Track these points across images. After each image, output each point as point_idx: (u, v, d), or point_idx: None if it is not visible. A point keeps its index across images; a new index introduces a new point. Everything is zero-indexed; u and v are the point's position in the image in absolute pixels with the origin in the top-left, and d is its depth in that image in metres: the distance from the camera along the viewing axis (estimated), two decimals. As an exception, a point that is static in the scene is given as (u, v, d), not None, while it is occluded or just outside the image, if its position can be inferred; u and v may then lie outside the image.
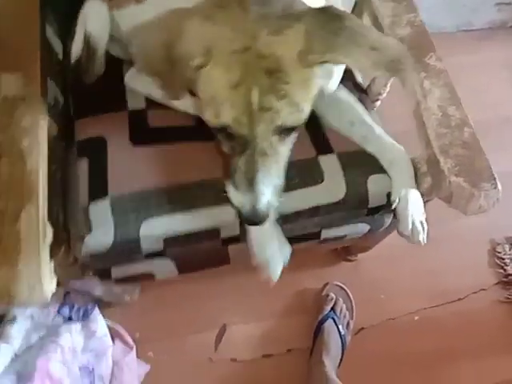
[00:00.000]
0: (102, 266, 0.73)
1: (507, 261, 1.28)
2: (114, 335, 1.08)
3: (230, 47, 0.53)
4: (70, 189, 0.71)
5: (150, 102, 0.77)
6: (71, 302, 1.03)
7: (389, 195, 0.75)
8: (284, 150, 0.59)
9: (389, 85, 0.83)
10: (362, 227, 0.82)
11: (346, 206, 0.74)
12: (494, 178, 0.63)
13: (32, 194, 0.59)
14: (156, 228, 0.69)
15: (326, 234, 0.81)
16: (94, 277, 0.79)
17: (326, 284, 1.19)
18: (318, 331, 1.11)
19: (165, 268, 0.78)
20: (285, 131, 0.57)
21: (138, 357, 1.10)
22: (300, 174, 0.72)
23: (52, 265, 0.60)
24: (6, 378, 0.76)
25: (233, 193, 0.59)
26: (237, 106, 0.54)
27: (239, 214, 0.59)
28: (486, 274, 1.28)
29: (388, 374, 1.14)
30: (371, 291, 1.23)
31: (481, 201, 0.63)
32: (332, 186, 0.72)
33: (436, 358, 1.18)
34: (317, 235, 0.81)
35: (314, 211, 0.72)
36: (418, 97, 0.68)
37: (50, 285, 0.58)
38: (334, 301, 1.14)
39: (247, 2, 0.54)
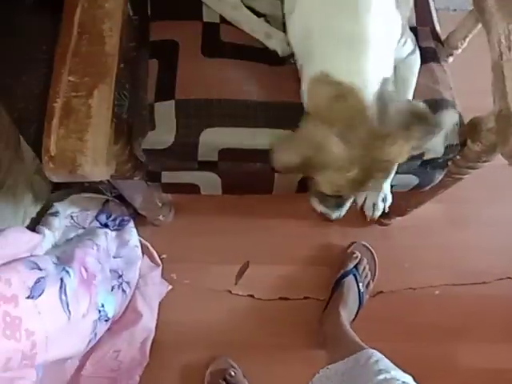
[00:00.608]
0: (155, 166, 0.75)
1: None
2: (143, 251, 1.12)
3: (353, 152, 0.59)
4: (137, 86, 0.73)
5: (224, 18, 0.77)
6: (109, 211, 1.08)
7: (447, 148, 0.73)
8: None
9: (468, 39, 0.80)
10: (411, 180, 0.81)
11: None
12: None
13: (107, 75, 0.60)
14: (215, 137, 0.70)
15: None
16: (142, 181, 0.81)
17: (354, 242, 1.20)
18: (338, 285, 1.13)
19: (211, 183, 0.79)
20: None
21: (162, 276, 1.15)
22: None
23: (115, 148, 0.62)
24: (49, 256, 0.80)
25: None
26: (347, 184, 0.63)
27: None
28: (514, 263, 1.26)
29: (395, 340, 1.15)
30: (396, 258, 1.23)
31: (545, 161, 0.61)
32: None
33: (445, 334, 1.17)
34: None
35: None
36: (502, 48, 0.65)
37: (111, 165, 0.61)
38: (358, 259, 1.15)
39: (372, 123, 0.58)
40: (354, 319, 1.11)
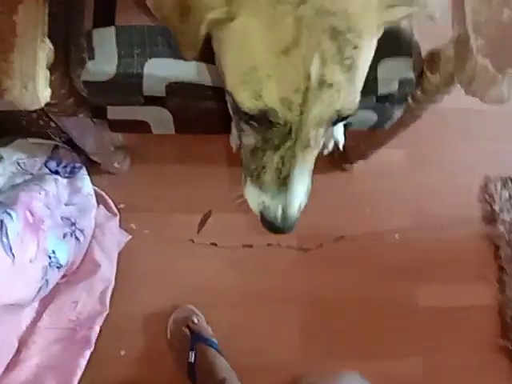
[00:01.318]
0: (98, 100, 0.70)
1: (496, 198, 1.29)
2: (99, 200, 1.08)
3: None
4: (73, 9, 0.66)
5: None
6: (59, 157, 1.02)
7: (402, 82, 0.71)
8: (321, 143, 0.49)
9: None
10: (369, 116, 0.79)
11: None
12: (522, 68, 0.60)
13: (33, -12, 0.54)
14: (161, 69, 0.65)
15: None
16: (88, 119, 0.76)
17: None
18: None
19: (162, 120, 0.75)
20: (333, 122, 0.46)
21: (120, 226, 1.11)
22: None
23: (48, 74, 0.57)
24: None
25: (254, 195, 0.49)
26: (288, 78, 0.40)
27: (263, 220, 0.50)
28: (473, 207, 1.29)
29: (356, 282, 1.18)
30: (358, 203, 1.24)
31: (503, 87, 0.60)
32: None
33: (405, 276, 1.21)
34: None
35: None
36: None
37: (44, 91, 0.55)
38: None
39: None
40: None
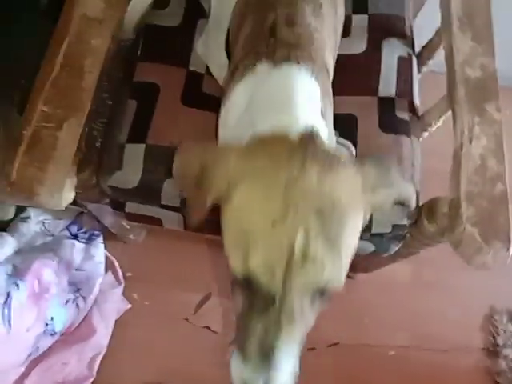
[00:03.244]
0: (119, 198, 0.78)
1: (500, 331, 1.25)
2: (108, 266, 1.14)
3: (270, 177, 0.45)
4: (113, 123, 0.75)
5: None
6: (81, 223, 1.10)
7: (395, 226, 0.75)
8: (312, 318, 0.48)
9: (442, 119, 0.82)
10: (366, 246, 0.83)
11: None
12: (509, 241, 0.63)
13: (79, 110, 0.63)
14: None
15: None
16: (108, 206, 0.84)
17: None
18: None
19: (174, 220, 0.81)
20: (319, 294, 0.46)
21: (123, 294, 1.16)
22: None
23: (75, 180, 0.64)
24: (4, 266, 0.82)
25: (237, 364, 0.46)
26: (273, 248, 0.43)
27: None
28: (476, 336, 1.26)
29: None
30: (357, 312, 1.24)
31: (488, 257, 0.63)
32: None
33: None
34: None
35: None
36: (464, 139, 0.68)
37: (68, 196, 0.63)
38: None
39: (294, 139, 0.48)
40: None
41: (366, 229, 0.76)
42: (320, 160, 0.46)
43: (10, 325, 0.73)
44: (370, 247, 0.83)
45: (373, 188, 0.49)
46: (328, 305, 0.49)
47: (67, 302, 0.93)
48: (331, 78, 0.71)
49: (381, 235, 0.78)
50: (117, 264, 1.16)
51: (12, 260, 0.87)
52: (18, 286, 0.76)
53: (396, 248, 0.83)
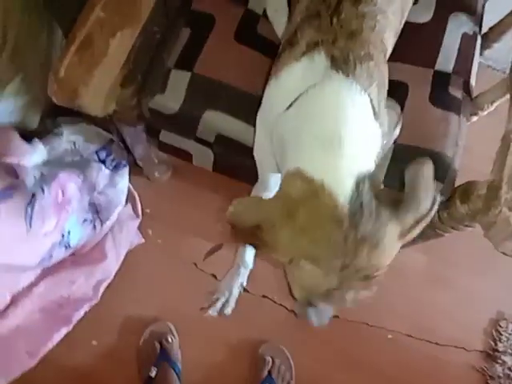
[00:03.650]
0: (155, 124, 0.78)
1: (503, 338, 1.24)
2: (129, 199, 1.15)
3: (327, 260, 0.51)
4: (164, 46, 0.74)
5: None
6: (110, 150, 1.11)
7: None
8: None
9: (495, 104, 0.79)
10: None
11: None
12: (544, 233, 0.61)
13: (135, 21, 0.62)
14: (217, 120, 0.72)
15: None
16: (143, 132, 0.84)
17: (263, 342, 1.14)
18: None
19: (204, 157, 0.81)
20: None
21: (138, 228, 1.18)
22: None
23: (118, 92, 0.64)
24: (32, 170, 0.83)
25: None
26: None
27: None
28: (477, 338, 1.25)
29: (332, 366, 1.16)
30: (363, 291, 1.23)
31: (518, 245, 0.61)
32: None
33: (384, 379, 1.18)
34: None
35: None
36: (518, 122, 0.65)
37: (109, 105, 0.63)
38: (270, 363, 1.10)
39: (344, 216, 0.50)
40: None
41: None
42: (369, 237, 0.51)
43: (30, 224, 0.75)
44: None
45: (409, 230, 0.56)
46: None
47: (85, 220, 0.95)
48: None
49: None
50: (137, 198, 1.17)
51: (40, 168, 0.88)
52: (43, 190, 0.78)
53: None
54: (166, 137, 0.80)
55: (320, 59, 0.57)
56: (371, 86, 0.58)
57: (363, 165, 0.54)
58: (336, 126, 0.53)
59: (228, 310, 1.06)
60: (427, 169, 0.54)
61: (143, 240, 1.17)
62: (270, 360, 1.11)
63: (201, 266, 1.20)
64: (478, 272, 1.29)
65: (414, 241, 0.89)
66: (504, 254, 0.63)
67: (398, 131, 0.73)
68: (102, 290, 1.09)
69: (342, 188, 0.51)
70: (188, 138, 0.77)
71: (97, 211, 1.00)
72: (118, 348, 1.12)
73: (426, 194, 0.54)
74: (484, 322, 1.26)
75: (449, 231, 0.81)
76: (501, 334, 1.24)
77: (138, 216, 1.16)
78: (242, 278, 1.06)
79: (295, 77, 0.59)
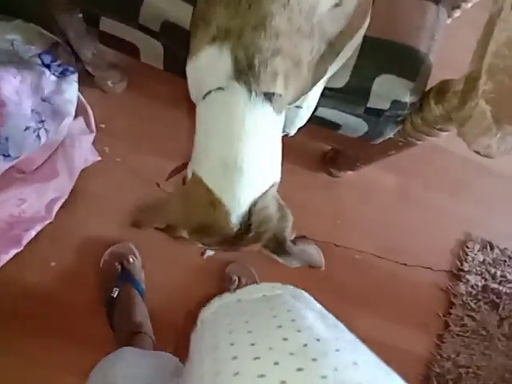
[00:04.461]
0: (94, 5, 0.66)
1: (469, 258, 1.24)
2: (80, 112, 1.05)
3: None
4: None
5: None
6: (56, 55, 0.99)
7: (394, 103, 0.67)
8: None
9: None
10: (359, 125, 0.75)
11: (344, 94, 0.68)
12: (521, 129, 0.55)
13: None
14: (161, 2, 0.62)
15: (321, 112, 0.74)
16: (83, 22, 0.73)
17: (230, 263, 1.12)
18: None
19: (153, 50, 0.71)
20: None
21: (94, 145, 1.09)
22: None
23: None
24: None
25: None
26: None
27: None
28: (444, 258, 1.25)
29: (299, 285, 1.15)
30: (332, 211, 1.20)
31: (493, 141, 0.56)
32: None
33: (350, 297, 1.17)
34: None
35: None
36: (505, 4, 0.57)
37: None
38: (236, 281, 1.08)
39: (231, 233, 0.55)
40: None
41: (361, 101, 0.68)
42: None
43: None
44: (363, 127, 0.75)
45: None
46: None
47: (27, 128, 0.85)
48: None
49: (377, 113, 0.70)
50: (90, 111, 1.07)
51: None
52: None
53: (391, 133, 0.76)
54: (107, 25, 0.69)
55: (226, 57, 0.52)
56: (275, 81, 0.53)
57: (265, 183, 0.55)
58: (236, 151, 0.52)
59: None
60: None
61: (99, 157, 1.09)
62: (237, 279, 1.09)
63: (163, 186, 1.13)
64: (449, 192, 1.27)
65: (385, 150, 0.85)
66: (477, 152, 0.58)
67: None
68: (56, 208, 1.03)
69: (237, 213, 0.53)
70: (131, 26, 0.66)
71: (41, 120, 0.90)
72: (76, 269, 1.08)
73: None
74: (452, 242, 1.27)
75: (422, 138, 0.75)
76: (467, 255, 1.25)
77: (91, 131, 1.06)
78: None
79: (209, 65, 0.54)
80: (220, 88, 0.53)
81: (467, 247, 1.25)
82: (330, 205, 1.20)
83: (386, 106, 0.68)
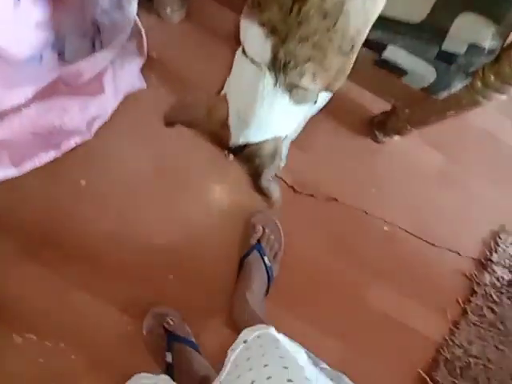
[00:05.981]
0: None
1: (500, 249, 1.21)
2: (134, 35, 1.04)
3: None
4: None
5: None
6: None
7: (471, 47, 0.64)
8: None
9: None
10: (427, 72, 0.72)
11: (419, 32, 0.65)
12: None
13: None
14: None
15: (390, 52, 0.71)
16: None
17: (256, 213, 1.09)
18: (242, 264, 1.05)
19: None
20: None
21: (141, 71, 1.07)
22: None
23: None
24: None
25: None
26: None
27: None
28: (474, 245, 1.22)
29: (319, 246, 1.12)
30: (368, 179, 1.17)
31: None
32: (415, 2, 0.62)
33: (368, 268, 1.14)
34: (380, 48, 0.71)
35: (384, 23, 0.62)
36: None
37: None
38: (260, 232, 1.06)
39: None
40: (267, 293, 1.05)
41: (436, 42, 0.65)
42: None
43: None
44: (431, 75, 0.72)
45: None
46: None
47: (85, 34, 0.84)
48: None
49: (450, 59, 0.67)
50: (144, 36, 1.06)
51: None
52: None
53: (459, 85, 0.72)
54: None
55: (268, 49, 0.60)
56: (301, 79, 0.62)
57: (266, 136, 0.68)
58: (250, 114, 0.65)
59: None
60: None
61: (145, 85, 1.08)
62: (261, 228, 1.07)
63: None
64: (492, 182, 1.23)
65: (444, 109, 0.81)
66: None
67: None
68: (96, 126, 1.02)
69: (235, 143, 0.68)
70: None
71: (98, 30, 0.89)
72: (106, 193, 1.08)
73: None
74: (484, 231, 1.23)
75: (489, 97, 0.71)
76: (498, 245, 1.21)
77: (142, 55, 1.05)
78: None
79: (255, 39, 0.61)
80: (256, 62, 0.62)
81: (500, 238, 1.21)
82: (368, 172, 1.17)
83: (461, 49, 0.65)
